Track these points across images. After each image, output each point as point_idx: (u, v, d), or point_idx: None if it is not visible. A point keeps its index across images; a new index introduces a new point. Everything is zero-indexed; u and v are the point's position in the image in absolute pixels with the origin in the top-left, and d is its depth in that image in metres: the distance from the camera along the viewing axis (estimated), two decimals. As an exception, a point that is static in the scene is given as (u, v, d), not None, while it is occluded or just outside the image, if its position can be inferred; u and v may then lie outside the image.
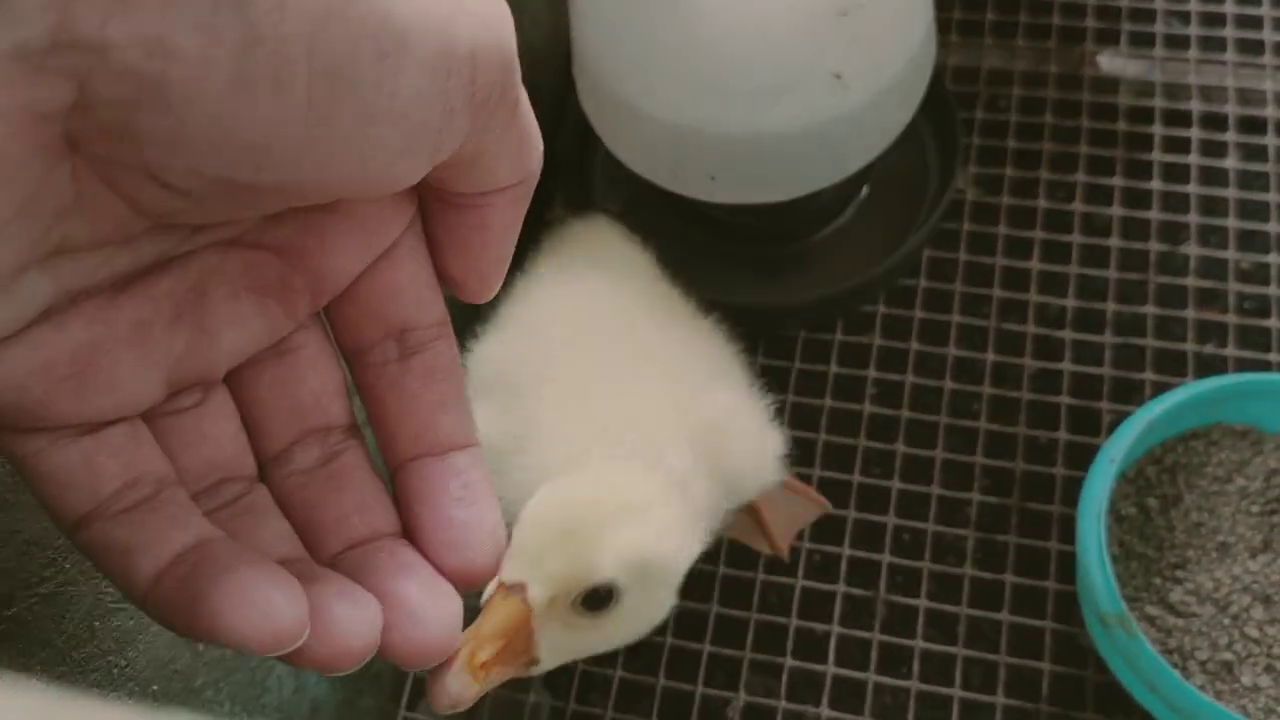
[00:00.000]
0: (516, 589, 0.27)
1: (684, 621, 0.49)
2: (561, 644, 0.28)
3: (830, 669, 0.48)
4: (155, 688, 0.34)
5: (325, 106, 0.18)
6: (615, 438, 0.35)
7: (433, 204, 0.22)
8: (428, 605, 0.21)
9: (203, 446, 0.22)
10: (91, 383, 0.20)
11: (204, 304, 0.21)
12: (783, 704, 0.47)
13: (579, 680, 0.49)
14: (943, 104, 0.56)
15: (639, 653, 0.49)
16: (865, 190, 0.58)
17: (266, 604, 0.18)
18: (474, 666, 0.25)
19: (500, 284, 0.23)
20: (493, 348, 0.41)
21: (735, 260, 0.57)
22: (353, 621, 0.20)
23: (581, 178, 0.56)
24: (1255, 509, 0.47)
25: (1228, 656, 0.45)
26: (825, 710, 0.47)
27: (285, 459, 0.23)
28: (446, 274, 0.23)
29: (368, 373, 0.23)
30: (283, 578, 0.19)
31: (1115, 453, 0.45)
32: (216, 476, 0.22)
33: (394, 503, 0.23)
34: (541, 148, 0.22)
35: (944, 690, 0.47)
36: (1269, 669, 0.45)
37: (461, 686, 0.23)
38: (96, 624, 0.31)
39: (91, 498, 0.20)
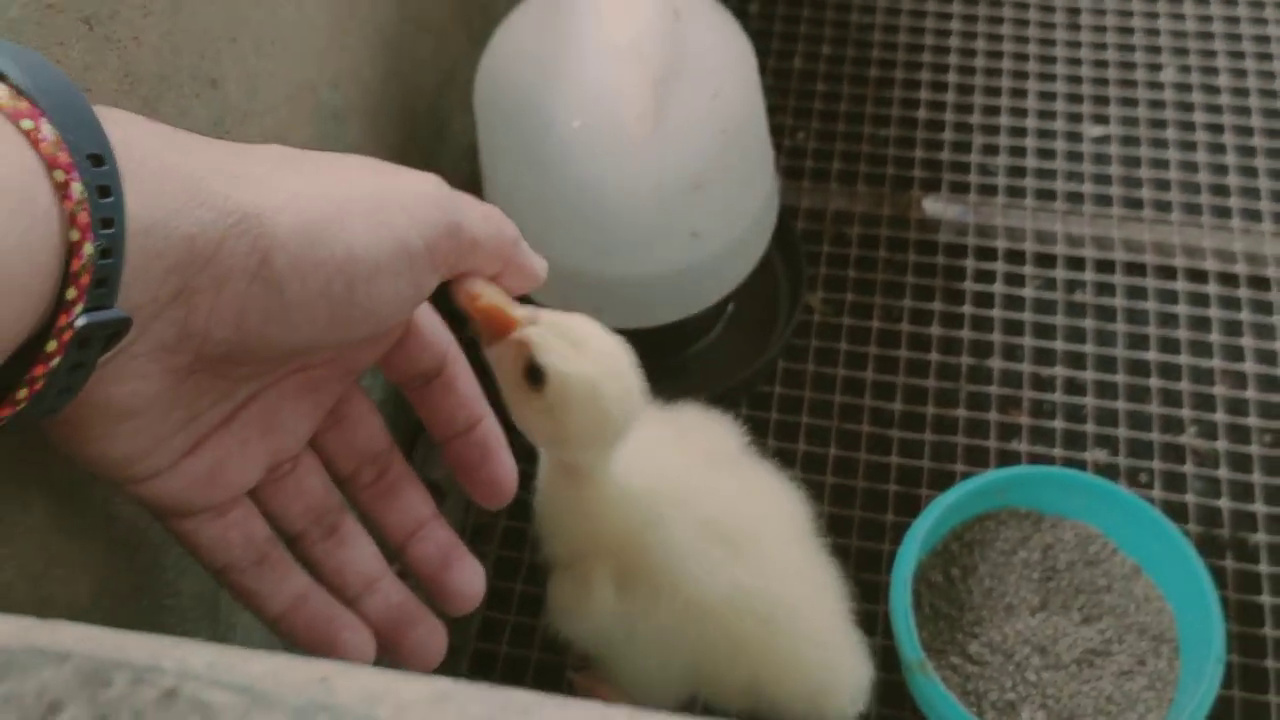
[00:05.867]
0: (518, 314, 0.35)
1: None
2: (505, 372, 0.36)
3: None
4: None
5: (340, 317, 0.30)
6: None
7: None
8: (469, 589, 0.37)
9: (304, 496, 0.36)
10: (216, 483, 0.33)
11: (280, 414, 0.34)
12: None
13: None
14: (792, 242, 0.68)
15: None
16: (731, 308, 0.69)
17: (352, 651, 0.34)
18: (470, 294, 0.34)
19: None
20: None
21: (622, 371, 0.67)
22: (422, 647, 0.36)
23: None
24: (1035, 576, 0.58)
25: (1011, 697, 0.56)
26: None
27: (355, 478, 0.37)
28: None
29: (411, 395, 0.37)
30: (358, 626, 0.35)
31: (919, 530, 0.56)
32: (315, 514, 0.36)
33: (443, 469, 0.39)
34: (502, 225, 0.35)
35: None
36: (1043, 706, 0.55)
37: (465, 289, 0.34)
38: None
39: (226, 556, 0.34)
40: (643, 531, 0.41)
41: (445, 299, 0.36)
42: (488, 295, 0.34)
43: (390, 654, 0.36)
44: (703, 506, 0.42)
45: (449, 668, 0.58)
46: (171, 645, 0.20)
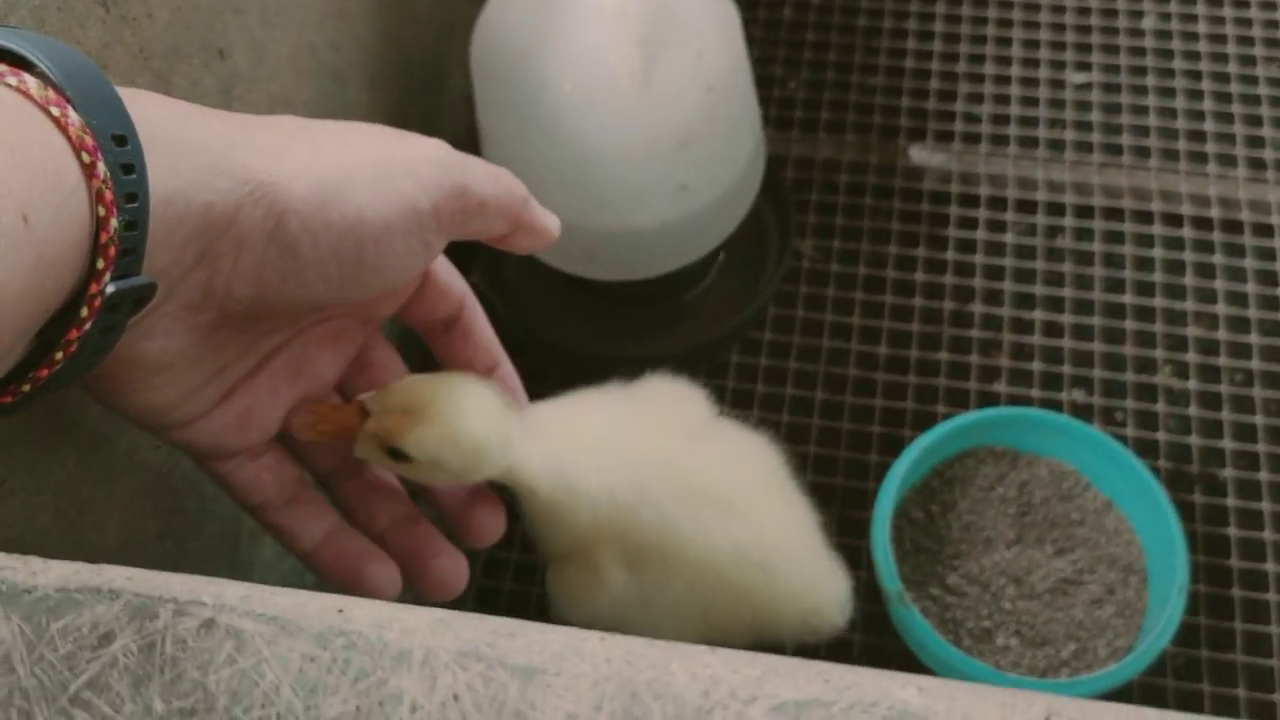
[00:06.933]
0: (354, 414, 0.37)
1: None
2: (377, 458, 0.37)
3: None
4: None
5: (351, 276, 0.32)
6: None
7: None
8: (489, 526, 0.40)
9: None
10: (248, 427, 0.35)
11: (306, 361, 0.37)
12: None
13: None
14: (780, 192, 0.70)
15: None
16: (722, 257, 0.71)
17: (379, 582, 0.37)
18: (313, 416, 0.37)
19: None
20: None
21: (617, 319, 0.70)
22: (446, 575, 0.39)
23: (495, 255, 0.69)
24: (1010, 511, 0.61)
25: (987, 624, 0.59)
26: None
27: None
28: None
29: (431, 342, 0.40)
30: (384, 559, 0.38)
31: (899, 470, 0.59)
32: (343, 455, 0.38)
33: None
34: (511, 186, 0.36)
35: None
36: (1017, 634, 0.59)
37: (301, 420, 0.37)
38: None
39: (260, 496, 0.36)
40: (637, 511, 0.42)
41: (458, 250, 0.38)
42: (313, 421, 0.37)
43: (415, 582, 0.39)
44: (689, 477, 0.44)
45: (455, 603, 0.62)
46: (209, 583, 0.22)
